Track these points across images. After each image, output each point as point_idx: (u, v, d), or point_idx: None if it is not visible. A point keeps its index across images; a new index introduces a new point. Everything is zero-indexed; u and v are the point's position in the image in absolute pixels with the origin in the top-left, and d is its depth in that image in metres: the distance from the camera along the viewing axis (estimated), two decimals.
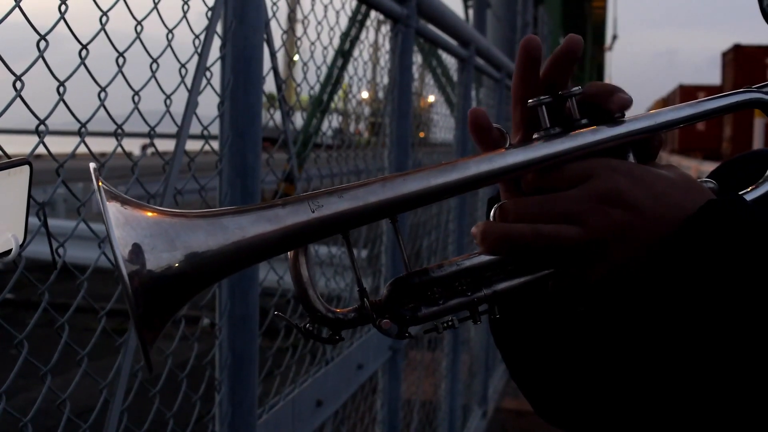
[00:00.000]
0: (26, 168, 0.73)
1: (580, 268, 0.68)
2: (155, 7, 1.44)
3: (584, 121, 0.70)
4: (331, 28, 2.30)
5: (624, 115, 0.71)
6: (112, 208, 0.57)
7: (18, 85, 1.10)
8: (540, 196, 0.69)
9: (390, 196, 0.65)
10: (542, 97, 0.70)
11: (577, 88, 0.70)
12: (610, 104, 0.70)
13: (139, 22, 1.39)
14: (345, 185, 0.65)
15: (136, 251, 0.57)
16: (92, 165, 0.62)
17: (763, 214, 0.66)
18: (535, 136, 0.70)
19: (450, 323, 0.69)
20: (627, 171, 0.68)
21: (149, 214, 0.59)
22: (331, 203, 0.63)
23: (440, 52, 4.04)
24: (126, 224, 0.57)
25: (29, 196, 0.74)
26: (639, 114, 0.73)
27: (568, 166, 0.69)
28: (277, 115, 2.01)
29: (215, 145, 1.65)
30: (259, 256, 0.62)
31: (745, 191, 0.75)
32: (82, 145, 1.32)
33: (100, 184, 0.58)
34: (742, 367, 0.62)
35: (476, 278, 0.70)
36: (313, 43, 2.18)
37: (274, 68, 1.86)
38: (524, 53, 0.70)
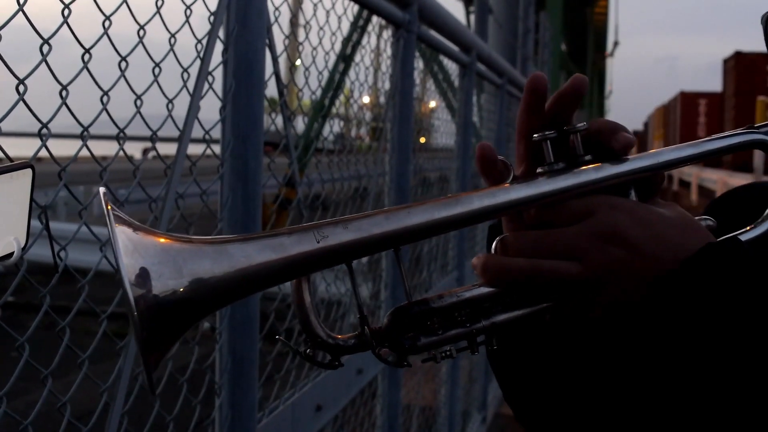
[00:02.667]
0: (28, 171, 0.73)
1: (577, 304, 0.69)
2: (158, 11, 1.45)
3: (588, 157, 0.71)
4: (333, 33, 2.30)
5: (626, 154, 0.72)
6: (121, 235, 0.58)
7: (21, 88, 1.11)
8: (541, 231, 0.69)
9: (394, 228, 0.66)
10: (547, 132, 0.71)
11: (582, 124, 0.71)
12: (614, 143, 0.70)
13: (141, 27, 1.40)
14: (349, 216, 0.66)
15: (144, 277, 0.57)
16: (102, 189, 0.62)
17: (759, 257, 0.67)
18: (539, 170, 0.71)
19: (448, 353, 0.69)
20: (627, 209, 0.69)
21: (158, 240, 0.60)
22: (335, 234, 0.64)
23: (442, 57, 4.04)
24: (135, 251, 0.58)
25: (31, 199, 0.74)
26: (642, 153, 0.74)
27: (569, 203, 0.70)
28: (279, 120, 2.02)
29: (217, 149, 1.66)
30: (264, 284, 0.63)
31: (742, 231, 0.74)
32: (84, 148, 1.32)
33: (109, 208, 0.58)
34: (739, 408, 0.63)
35: (475, 309, 0.70)
36: (314, 48, 2.18)
37: (276, 73, 1.87)
38: (530, 89, 0.71)
